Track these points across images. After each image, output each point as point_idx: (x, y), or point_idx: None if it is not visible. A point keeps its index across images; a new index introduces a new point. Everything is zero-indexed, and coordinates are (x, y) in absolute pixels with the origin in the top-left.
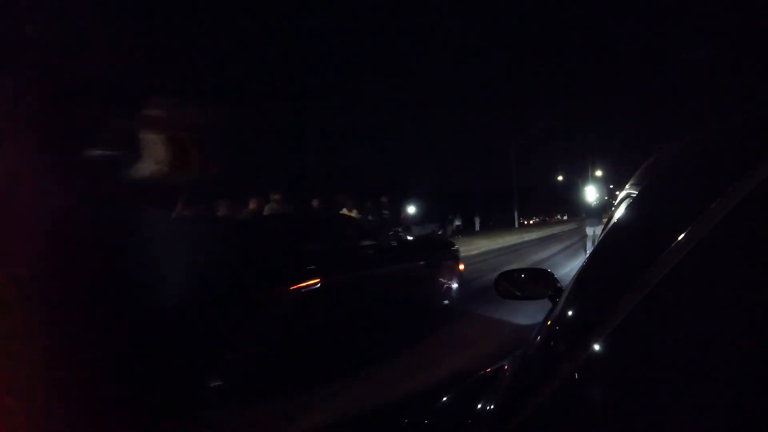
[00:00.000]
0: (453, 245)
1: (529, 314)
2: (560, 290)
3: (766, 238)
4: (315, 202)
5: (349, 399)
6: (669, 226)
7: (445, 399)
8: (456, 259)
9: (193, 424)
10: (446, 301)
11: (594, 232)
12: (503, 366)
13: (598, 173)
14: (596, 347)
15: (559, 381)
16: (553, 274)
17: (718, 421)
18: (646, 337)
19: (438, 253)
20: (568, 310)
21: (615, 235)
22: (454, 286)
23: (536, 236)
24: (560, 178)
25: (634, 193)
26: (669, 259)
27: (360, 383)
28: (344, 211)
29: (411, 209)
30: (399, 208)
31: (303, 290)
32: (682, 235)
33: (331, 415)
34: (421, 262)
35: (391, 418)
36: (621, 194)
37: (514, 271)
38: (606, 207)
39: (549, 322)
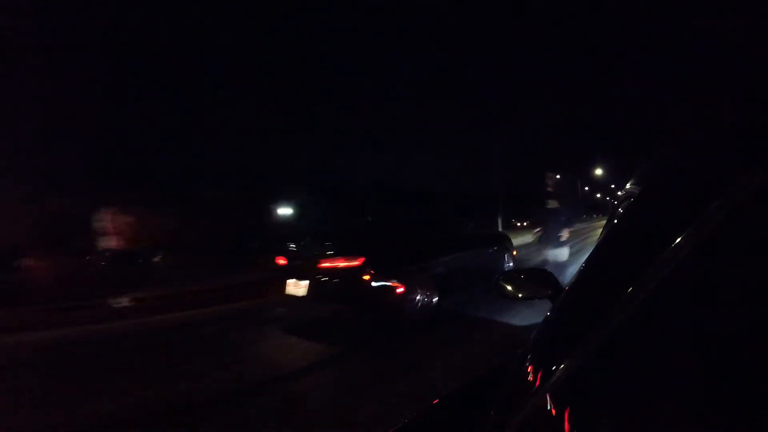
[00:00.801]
0: (508, 237)
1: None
2: (560, 290)
3: (766, 238)
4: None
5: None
6: (669, 226)
7: (445, 398)
8: (512, 246)
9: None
10: None
11: (557, 257)
12: (503, 366)
13: (598, 171)
14: (596, 347)
15: (559, 381)
16: (552, 275)
17: (719, 419)
18: (646, 337)
19: (501, 241)
20: (568, 310)
21: (615, 234)
22: (511, 264)
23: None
24: (558, 176)
25: (635, 192)
26: (669, 259)
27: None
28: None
29: (283, 210)
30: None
31: (448, 259)
32: (683, 235)
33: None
34: (495, 247)
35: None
36: (621, 194)
37: (514, 271)
38: (576, 211)
39: (549, 321)
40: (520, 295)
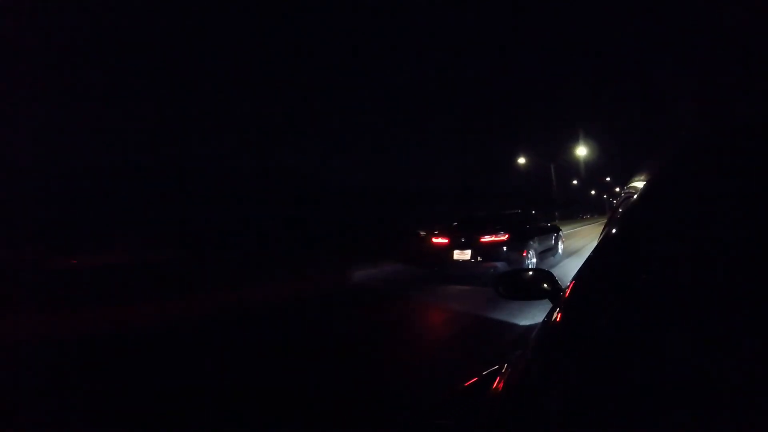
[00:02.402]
0: (560, 228)
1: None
2: (560, 291)
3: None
4: None
5: None
6: (670, 226)
7: (444, 400)
8: (562, 234)
9: None
10: (559, 254)
11: None
12: (503, 366)
13: (581, 150)
14: (596, 347)
15: (559, 381)
16: (552, 275)
17: (720, 419)
18: (647, 337)
19: (558, 230)
20: (568, 311)
21: (616, 234)
22: (562, 246)
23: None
24: (521, 160)
25: (636, 191)
26: (670, 259)
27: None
28: None
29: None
30: None
31: (539, 239)
32: (684, 235)
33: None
34: (555, 234)
35: (392, 418)
36: (622, 192)
37: (514, 271)
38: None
39: (549, 323)
40: (519, 296)
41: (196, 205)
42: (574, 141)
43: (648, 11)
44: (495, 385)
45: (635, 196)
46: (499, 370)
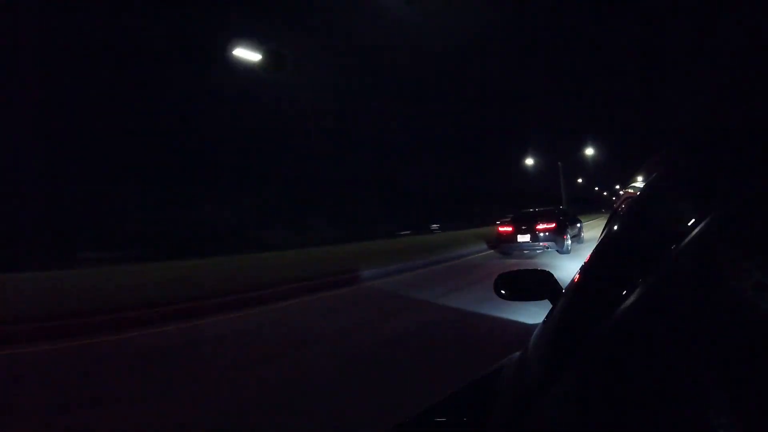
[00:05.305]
0: (581, 220)
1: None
2: (560, 291)
3: (766, 238)
4: None
5: None
6: (670, 226)
7: (444, 400)
8: (583, 225)
9: None
10: (582, 239)
11: None
12: (503, 366)
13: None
14: (596, 348)
15: (559, 382)
16: (552, 275)
17: (721, 420)
18: (647, 337)
19: (580, 220)
20: (568, 311)
21: (616, 234)
22: (583, 234)
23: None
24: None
25: (636, 192)
26: (670, 259)
27: None
28: None
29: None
30: None
31: (571, 226)
32: (683, 235)
33: None
34: (578, 225)
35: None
36: (622, 193)
37: (513, 272)
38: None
39: (549, 323)
40: (519, 296)
41: None
42: (580, 140)
43: (652, 11)
44: (495, 385)
45: (636, 196)
46: (499, 370)
